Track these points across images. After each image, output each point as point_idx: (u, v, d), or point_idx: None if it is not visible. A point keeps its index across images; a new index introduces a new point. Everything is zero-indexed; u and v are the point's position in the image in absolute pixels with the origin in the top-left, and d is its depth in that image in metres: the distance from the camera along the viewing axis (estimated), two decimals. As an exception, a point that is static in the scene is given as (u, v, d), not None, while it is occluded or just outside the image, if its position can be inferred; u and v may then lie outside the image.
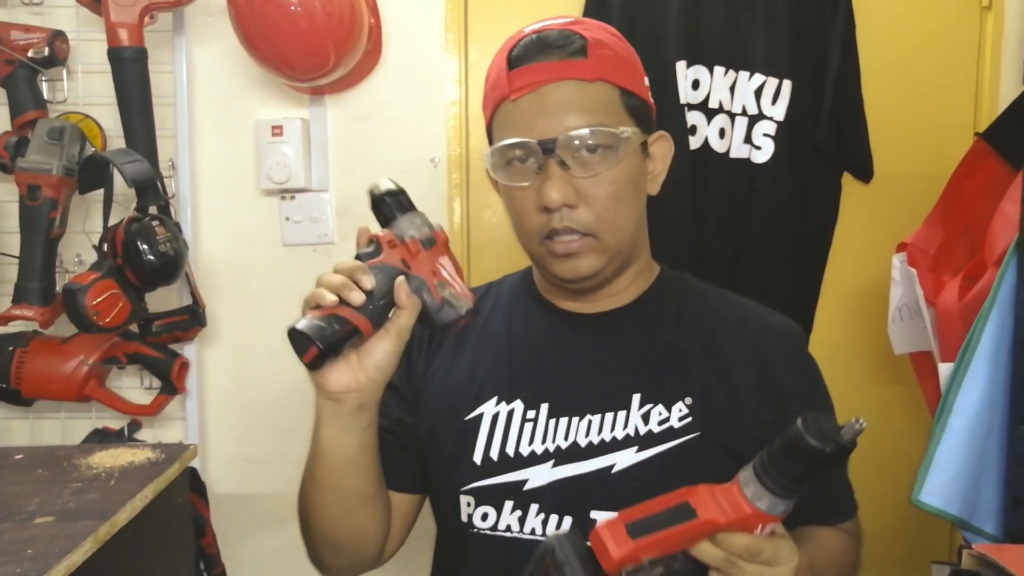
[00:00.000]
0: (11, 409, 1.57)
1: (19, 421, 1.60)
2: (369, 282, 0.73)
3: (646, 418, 0.85)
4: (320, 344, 0.71)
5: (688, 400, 0.85)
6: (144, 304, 1.47)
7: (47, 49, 1.44)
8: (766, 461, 0.68)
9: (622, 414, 0.85)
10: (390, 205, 0.79)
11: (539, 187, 0.82)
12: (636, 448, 0.84)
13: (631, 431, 0.84)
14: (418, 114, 1.57)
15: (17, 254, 1.43)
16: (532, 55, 0.82)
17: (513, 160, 0.83)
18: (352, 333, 0.73)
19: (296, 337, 0.72)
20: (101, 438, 1.52)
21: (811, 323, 1.59)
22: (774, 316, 0.94)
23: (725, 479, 0.81)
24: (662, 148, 0.91)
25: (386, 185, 0.80)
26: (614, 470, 0.83)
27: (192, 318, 1.53)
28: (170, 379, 1.52)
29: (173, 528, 1.22)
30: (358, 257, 0.77)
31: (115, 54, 1.42)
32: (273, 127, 1.52)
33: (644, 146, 0.87)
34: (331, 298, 0.72)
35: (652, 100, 0.90)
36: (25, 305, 1.41)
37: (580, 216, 0.82)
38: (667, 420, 0.84)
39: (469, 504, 0.87)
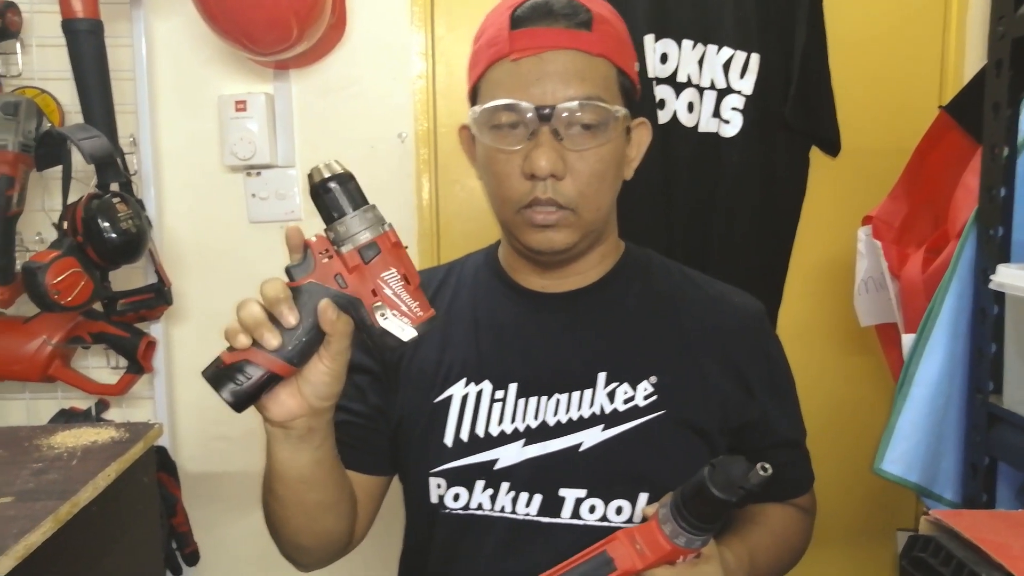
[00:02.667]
0: (-26, 390, 1.54)
1: (-18, 402, 1.58)
2: (292, 316, 0.65)
3: (612, 396, 0.85)
4: (227, 398, 0.65)
5: (653, 379, 0.86)
6: (108, 283, 1.45)
7: (-1, 21, 1.40)
8: (679, 503, 0.71)
9: (588, 393, 0.85)
10: (334, 196, 0.66)
11: (527, 153, 0.80)
12: (603, 426, 0.84)
13: (597, 410, 0.85)
14: (384, 89, 1.55)
15: (-26, 233, 1.40)
16: (537, 18, 0.80)
17: (502, 123, 0.81)
18: (267, 382, 0.66)
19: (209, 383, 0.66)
20: (67, 418, 1.51)
21: (780, 296, 1.60)
22: (738, 295, 0.95)
23: (690, 457, 0.84)
24: (641, 134, 0.90)
25: (331, 169, 0.67)
26: (581, 448, 0.84)
27: (158, 296, 1.51)
28: (136, 358, 1.51)
29: (139, 507, 1.21)
30: (288, 270, 0.68)
31: (69, 26, 1.39)
32: (237, 102, 1.50)
33: (627, 129, 0.87)
34: (243, 341, 0.65)
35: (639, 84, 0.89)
36: (-16, 284, 1.38)
37: (564, 188, 0.80)
38: (632, 399, 0.85)
39: (440, 486, 0.87)
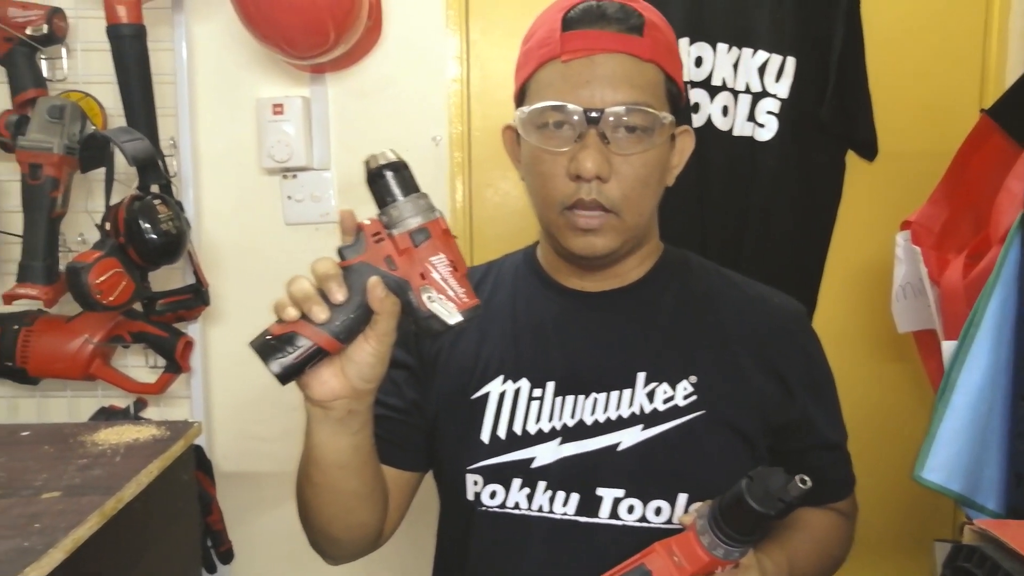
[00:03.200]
0: (18, 388, 1.57)
1: (26, 399, 1.61)
2: (341, 293, 0.67)
3: (651, 396, 0.85)
4: (274, 369, 0.66)
5: (692, 379, 0.85)
6: (147, 283, 1.47)
7: (45, 27, 1.43)
8: (718, 515, 0.71)
9: (627, 392, 0.85)
10: (388, 182, 0.68)
11: (574, 155, 0.80)
12: (641, 426, 0.84)
13: (636, 409, 0.85)
14: (419, 92, 1.56)
15: (20, 233, 1.43)
16: (589, 21, 0.81)
17: (549, 123, 0.81)
18: (313, 354, 0.67)
19: (257, 353, 0.67)
20: (107, 416, 1.53)
21: (814, 302, 1.59)
22: (777, 296, 0.95)
23: (730, 458, 0.84)
24: (684, 142, 0.90)
25: (386, 157, 0.69)
26: (620, 448, 0.84)
27: (196, 297, 1.53)
28: (175, 358, 1.53)
29: (179, 505, 1.23)
30: (339, 251, 0.69)
31: (114, 31, 1.41)
32: (274, 105, 1.52)
33: (672, 136, 0.86)
34: (292, 313, 0.67)
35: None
36: (29, 284, 1.41)
37: (609, 191, 0.80)
38: (672, 399, 0.85)
39: (476, 483, 0.87)
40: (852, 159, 1.55)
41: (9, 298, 1.41)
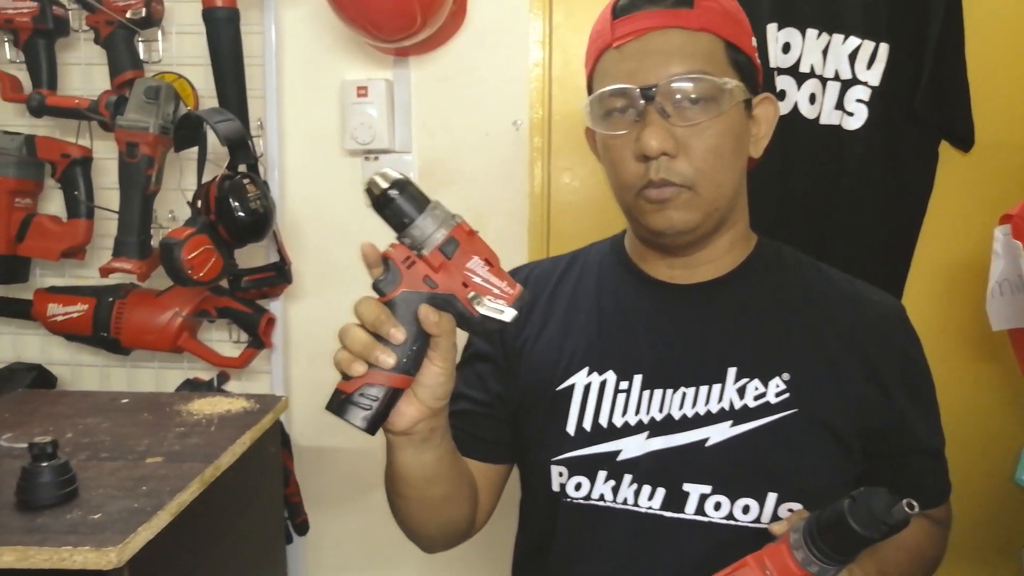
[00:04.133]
0: (109, 357, 1.64)
1: (117, 369, 1.67)
2: (400, 333, 0.66)
3: (741, 392, 0.83)
4: (360, 425, 0.67)
5: (785, 376, 0.83)
6: (234, 260, 1.52)
7: (144, 10, 1.48)
8: (815, 532, 0.68)
9: (717, 387, 0.84)
10: (400, 204, 0.65)
11: (637, 135, 0.79)
12: (731, 422, 0.82)
13: (726, 405, 0.83)
14: (501, 76, 1.56)
15: (116, 209, 1.48)
16: (638, 4, 0.81)
17: (613, 110, 0.81)
18: (393, 397, 0.68)
19: (336, 414, 0.67)
20: (192, 387, 1.59)
21: (900, 295, 1.54)
22: (876, 293, 0.91)
23: (823, 458, 0.82)
24: (766, 110, 0.87)
25: (388, 179, 0.66)
26: (708, 443, 0.82)
27: (279, 275, 1.57)
28: (258, 333, 1.57)
29: (267, 475, 1.28)
30: (375, 287, 0.68)
31: (209, 15, 1.45)
32: (358, 88, 1.54)
33: (748, 105, 0.84)
34: (360, 368, 0.66)
35: (759, 62, 0.87)
36: (124, 258, 1.47)
37: (678, 166, 0.79)
38: (763, 395, 0.83)
39: (562, 474, 0.86)
40: (946, 149, 1.50)
41: (105, 271, 1.47)
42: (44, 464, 0.93)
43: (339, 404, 0.67)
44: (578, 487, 0.85)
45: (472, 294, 0.67)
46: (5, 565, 0.82)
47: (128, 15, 1.48)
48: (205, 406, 1.24)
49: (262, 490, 1.26)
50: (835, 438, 0.83)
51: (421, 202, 0.66)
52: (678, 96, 0.78)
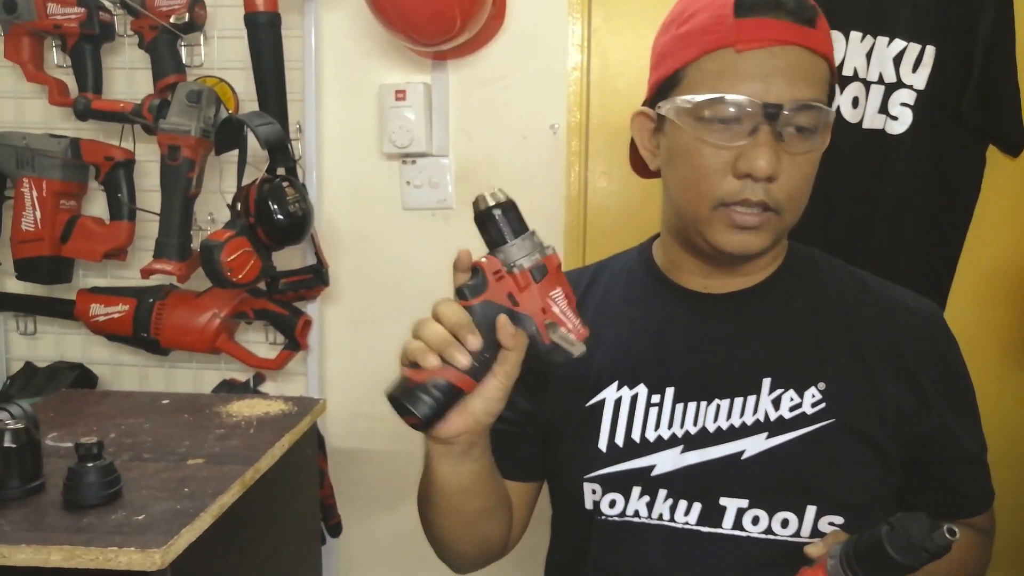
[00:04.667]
0: (148, 357, 1.66)
1: (155, 369, 1.70)
2: (476, 342, 0.68)
3: (776, 403, 0.81)
4: (423, 417, 0.67)
5: (821, 385, 0.81)
6: (272, 262, 1.53)
7: (187, 15, 1.49)
8: (852, 558, 0.67)
9: (751, 399, 0.81)
10: (500, 224, 0.69)
11: (744, 151, 0.75)
12: (766, 434, 0.80)
13: (761, 416, 0.81)
14: (539, 80, 1.55)
15: (157, 211, 1.50)
16: (764, 9, 0.75)
17: (717, 116, 0.76)
18: (456, 396, 0.69)
19: (395, 403, 0.69)
20: (229, 388, 1.60)
21: (944, 303, 1.51)
22: (912, 298, 0.89)
23: (861, 469, 0.80)
24: (829, 136, 0.84)
25: (497, 197, 0.69)
26: (744, 456, 0.80)
27: (316, 277, 1.58)
28: (294, 335, 1.58)
29: (304, 477, 1.28)
30: (460, 291, 0.70)
31: (251, 19, 1.47)
32: (397, 91, 1.54)
33: None
34: (433, 361, 0.67)
35: None
36: (165, 260, 1.49)
37: (775, 191, 0.76)
38: (799, 406, 0.80)
39: (595, 491, 0.84)
40: (993, 154, 1.47)
41: (146, 273, 1.49)
42: (90, 464, 0.94)
43: (405, 391, 0.68)
44: (612, 504, 0.84)
45: (548, 321, 0.69)
46: (53, 564, 0.83)
47: (172, 20, 1.50)
48: (244, 408, 1.26)
49: (299, 492, 1.27)
50: (874, 448, 0.81)
51: (521, 225, 0.70)
52: (797, 121, 0.75)
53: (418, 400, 0.67)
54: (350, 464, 1.70)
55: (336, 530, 1.66)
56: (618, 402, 0.85)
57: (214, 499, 0.94)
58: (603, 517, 0.84)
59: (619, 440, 0.84)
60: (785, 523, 0.79)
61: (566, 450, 0.88)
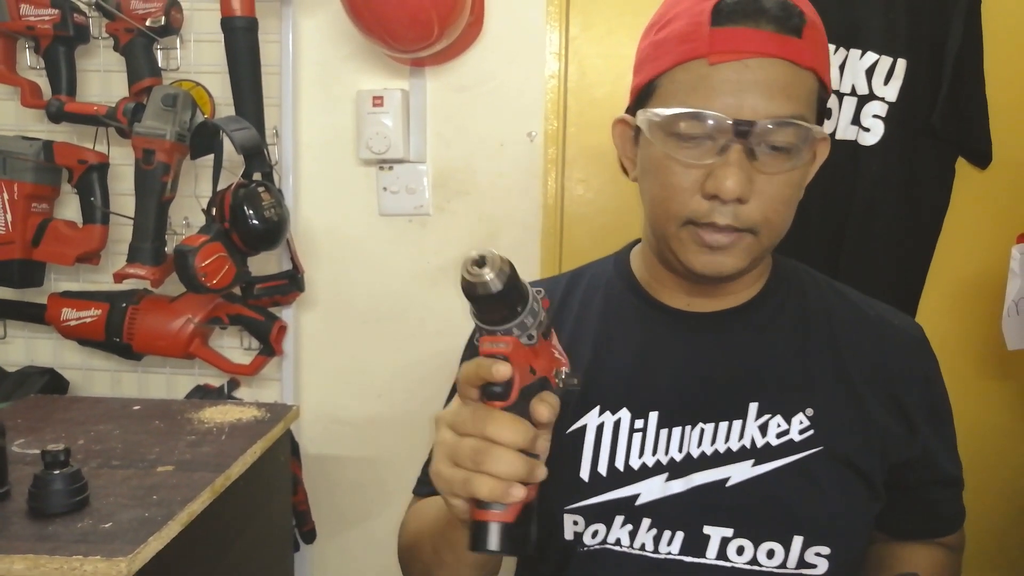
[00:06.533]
0: (121, 362, 1.65)
1: (128, 374, 1.68)
2: (545, 445, 0.63)
3: (763, 430, 0.78)
4: (530, 550, 0.61)
5: (809, 411, 0.79)
6: (247, 267, 1.52)
7: (163, 18, 1.48)
8: None
9: (737, 424, 0.79)
10: (510, 297, 0.57)
11: (713, 170, 0.71)
12: (752, 461, 0.77)
13: (747, 443, 0.78)
14: (517, 87, 1.56)
15: (131, 215, 1.49)
16: (741, 17, 0.70)
17: (686, 132, 0.71)
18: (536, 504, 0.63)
19: (504, 553, 0.60)
20: (203, 394, 1.59)
21: (914, 312, 1.53)
22: (897, 317, 0.88)
23: (848, 497, 0.79)
24: (822, 151, 0.80)
25: (497, 266, 0.55)
26: (728, 483, 0.77)
27: (291, 283, 1.57)
28: (269, 341, 1.57)
29: (276, 484, 1.28)
30: (490, 392, 0.60)
31: (228, 23, 1.46)
32: (374, 97, 1.54)
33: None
34: (520, 492, 0.59)
35: None
36: (138, 264, 1.47)
37: (747, 212, 0.72)
38: (786, 432, 0.78)
39: (576, 523, 0.80)
40: (963, 166, 1.49)
41: (119, 277, 1.47)
42: (56, 472, 0.93)
43: (511, 541, 0.59)
44: (595, 535, 0.80)
45: (556, 370, 0.64)
46: (16, 574, 0.82)
47: (148, 23, 1.49)
48: (216, 414, 1.25)
49: (271, 499, 1.26)
50: (860, 476, 0.79)
51: (522, 284, 0.58)
52: (772, 139, 0.70)
53: (527, 538, 0.61)
54: (325, 470, 1.69)
55: (310, 536, 1.65)
56: (600, 428, 0.81)
57: (183, 507, 0.93)
58: (584, 548, 0.80)
59: (602, 469, 0.80)
60: (771, 553, 0.77)
61: (545, 480, 0.86)
